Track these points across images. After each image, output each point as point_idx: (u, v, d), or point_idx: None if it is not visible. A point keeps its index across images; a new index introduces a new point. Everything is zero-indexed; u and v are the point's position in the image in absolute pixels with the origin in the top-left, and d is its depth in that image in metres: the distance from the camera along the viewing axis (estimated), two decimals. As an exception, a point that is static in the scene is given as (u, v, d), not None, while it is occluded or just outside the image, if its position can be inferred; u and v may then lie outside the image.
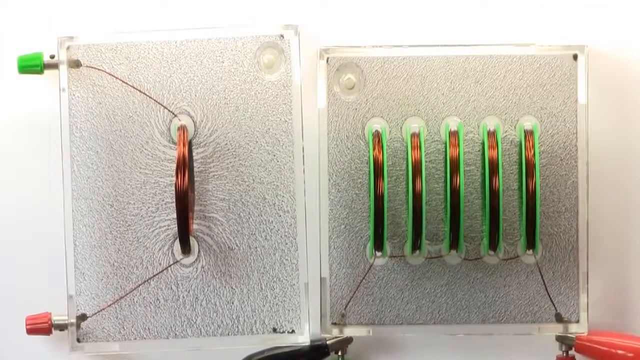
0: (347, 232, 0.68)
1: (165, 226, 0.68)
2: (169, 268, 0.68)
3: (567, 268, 0.69)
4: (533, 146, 0.66)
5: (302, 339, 0.69)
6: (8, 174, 0.71)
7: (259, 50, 0.68)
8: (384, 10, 0.70)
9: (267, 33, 0.68)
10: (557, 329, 0.69)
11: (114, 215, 0.68)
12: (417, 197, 0.65)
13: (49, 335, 0.69)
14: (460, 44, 0.68)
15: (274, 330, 0.69)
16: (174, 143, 0.68)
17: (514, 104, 0.68)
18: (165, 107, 0.68)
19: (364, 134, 0.68)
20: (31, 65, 0.68)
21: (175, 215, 0.66)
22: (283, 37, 0.68)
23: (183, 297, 0.69)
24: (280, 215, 0.68)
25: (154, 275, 0.68)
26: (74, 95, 0.68)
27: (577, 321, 0.69)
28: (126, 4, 0.70)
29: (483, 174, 0.67)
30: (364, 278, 0.69)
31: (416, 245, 0.67)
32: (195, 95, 0.68)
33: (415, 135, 0.67)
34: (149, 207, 0.68)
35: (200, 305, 0.69)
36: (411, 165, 0.66)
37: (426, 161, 0.67)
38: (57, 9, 0.70)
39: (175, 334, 0.69)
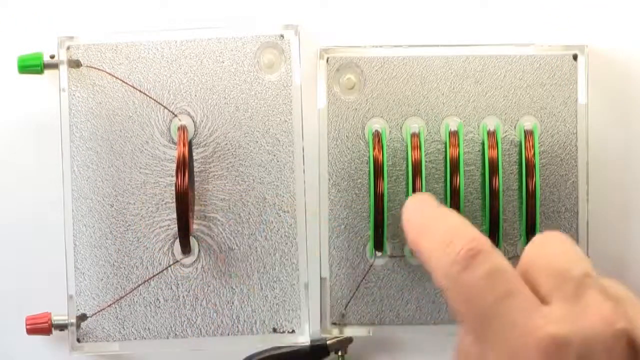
0: (347, 232, 0.68)
1: (165, 226, 0.68)
2: (169, 268, 0.68)
3: (567, 268, 0.68)
4: (533, 146, 0.66)
5: (302, 339, 0.69)
6: (8, 174, 0.71)
7: (259, 50, 0.68)
8: (384, 10, 0.70)
9: (267, 33, 0.68)
10: (557, 329, 0.69)
11: (114, 215, 0.68)
12: (417, 197, 0.65)
13: (49, 335, 0.69)
14: (460, 44, 0.68)
15: (274, 330, 0.69)
16: (174, 143, 0.68)
17: (514, 104, 0.68)
18: (165, 107, 0.68)
19: (364, 134, 0.68)
20: (31, 65, 0.68)
21: (175, 215, 0.66)
22: (283, 37, 0.68)
23: (183, 297, 0.69)
24: (280, 215, 0.68)
25: (154, 275, 0.68)
26: (74, 95, 0.68)
27: (577, 321, 0.68)
28: (126, 4, 0.70)
29: (483, 174, 0.67)
30: (364, 278, 0.69)
31: (416, 245, 0.67)
32: (195, 95, 0.68)
33: (415, 135, 0.67)
34: (149, 207, 0.68)
35: (200, 305, 0.69)
36: (411, 165, 0.66)
37: (426, 161, 0.67)
38: (57, 9, 0.70)
39: (175, 334, 0.69)
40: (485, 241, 0.46)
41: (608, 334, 0.42)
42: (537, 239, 0.49)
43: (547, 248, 0.48)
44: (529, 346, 0.42)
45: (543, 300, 0.45)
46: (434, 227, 0.48)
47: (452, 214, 0.50)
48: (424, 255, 0.48)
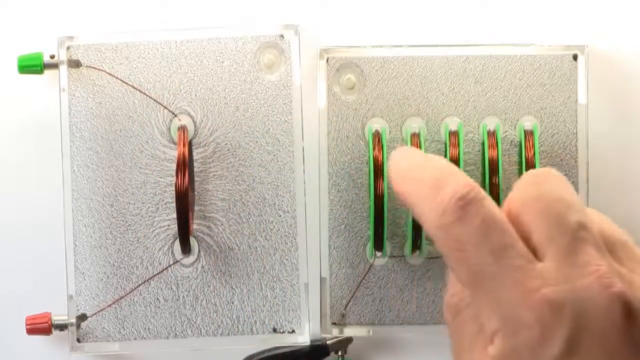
0: (347, 232, 0.68)
1: (165, 226, 0.68)
2: (169, 268, 0.68)
3: (567, 268, 0.68)
4: (533, 146, 0.66)
5: (302, 339, 0.69)
6: (8, 174, 0.71)
7: (259, 50, 0.68)
8: (384, 10, 0.70)
9: (267, 33, 0.68)
10: (557, 329, 0.69)
11: (114, 215, 0.68)
12: (417, 197, 0.65)
13: (49, 335, 0.69)
14: (460, 44, 0.68)
15: (274, 330, 0.69)
16: (174, 143, 0.68)
17: (514, 104, 0.68)
18: (165, 107, 0.68)
19: (364, 134, 0.68)
20: (31, 65, 0.68)
21: (175, 215, 0.66)
22: (283, 37, 0.68)
23: (183, 297, 0.69)
24: (280, 215, 0.68)
25: (154, 275, 0.68)
26: (74, 95, 0.68)
27: (577, 321, 0.68)
28: (126, 4, 0.70)
29: (483, 174, 0.67)
30: (364, 278, 0.69)
31: (416, 245, 0.67)
32: (195, 95, 0.68)
33: (415, 135, 0.67)
34: (149, 207, 0.68)
35: (200, 305, 0.69)
36: (411, 165, 0.66)
37: (426, 161, 0.67)
38: (57, 9, 0.70)
39: (175, 334, 0.69)
40: (475, 187, 0.43)
41: (604, 296, 0.41)
42: (530, 176, 0.45)
43: (541, 188, 0.44)
44: (524, 308, 0.41)
45: (536, 252, 0.43)
46: (420, 171, 0.44)
47: (439, 158, 0.46)
48: (411, 202, 0.44)
